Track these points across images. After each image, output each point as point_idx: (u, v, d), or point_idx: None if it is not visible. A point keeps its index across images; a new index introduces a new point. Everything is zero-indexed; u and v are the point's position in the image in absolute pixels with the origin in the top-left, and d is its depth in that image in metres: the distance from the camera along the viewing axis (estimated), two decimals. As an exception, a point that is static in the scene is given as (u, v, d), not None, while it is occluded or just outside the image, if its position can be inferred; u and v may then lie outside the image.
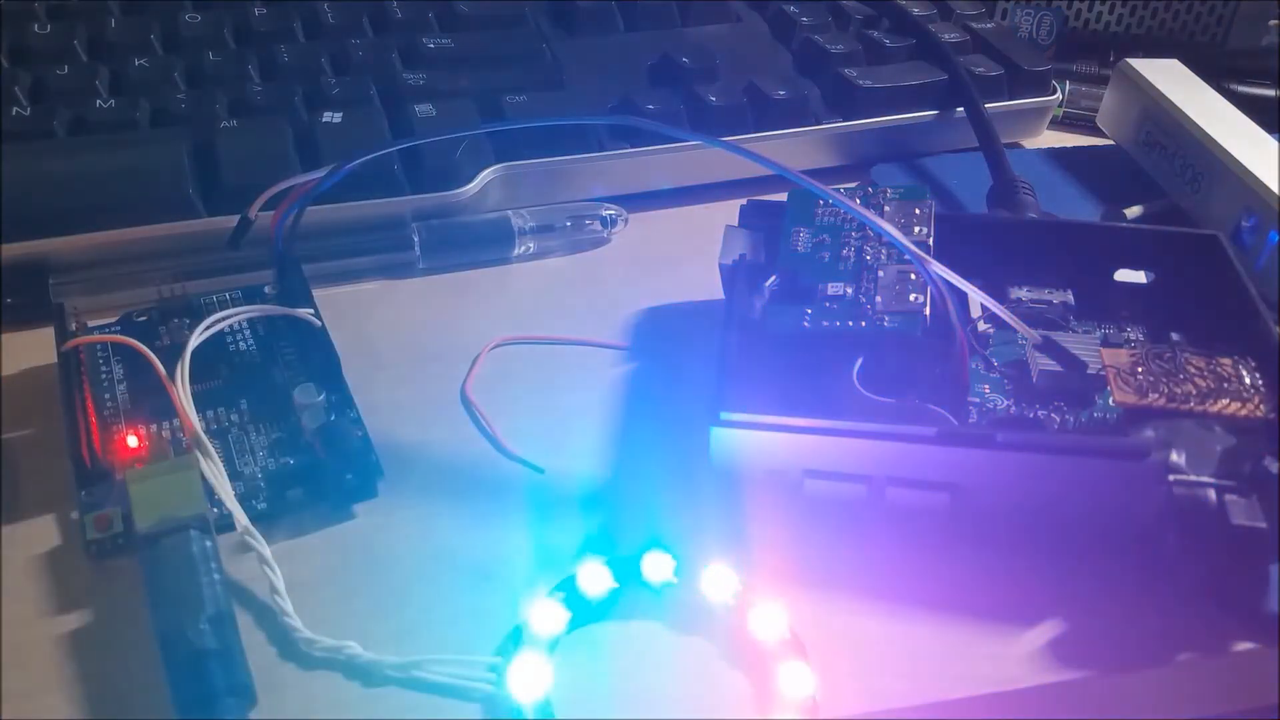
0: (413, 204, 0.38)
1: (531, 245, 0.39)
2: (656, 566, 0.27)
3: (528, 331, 0.35)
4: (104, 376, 0.32)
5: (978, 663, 0.26)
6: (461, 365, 0.34)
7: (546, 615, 0.26)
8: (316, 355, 0.32)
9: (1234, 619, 0.27)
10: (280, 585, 0.26)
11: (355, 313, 0.36)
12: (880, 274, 0.30)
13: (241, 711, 0.24)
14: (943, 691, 0.25)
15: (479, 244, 0.38)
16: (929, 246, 0.30)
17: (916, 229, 0.31)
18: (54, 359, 0.32)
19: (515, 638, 0.26)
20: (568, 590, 0.26)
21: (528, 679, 0.25)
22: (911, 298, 0.29)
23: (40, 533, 0.28)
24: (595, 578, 0.27)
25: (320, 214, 0.36)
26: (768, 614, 0.26)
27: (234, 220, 0.34)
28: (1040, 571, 0.28)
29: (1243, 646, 0.26)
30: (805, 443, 0.27)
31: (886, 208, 0.32)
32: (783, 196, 0.34)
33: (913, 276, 0.29)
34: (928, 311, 0.29)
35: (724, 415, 0.27)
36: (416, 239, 0.37)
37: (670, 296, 0.37)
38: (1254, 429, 0.28)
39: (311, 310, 0.33)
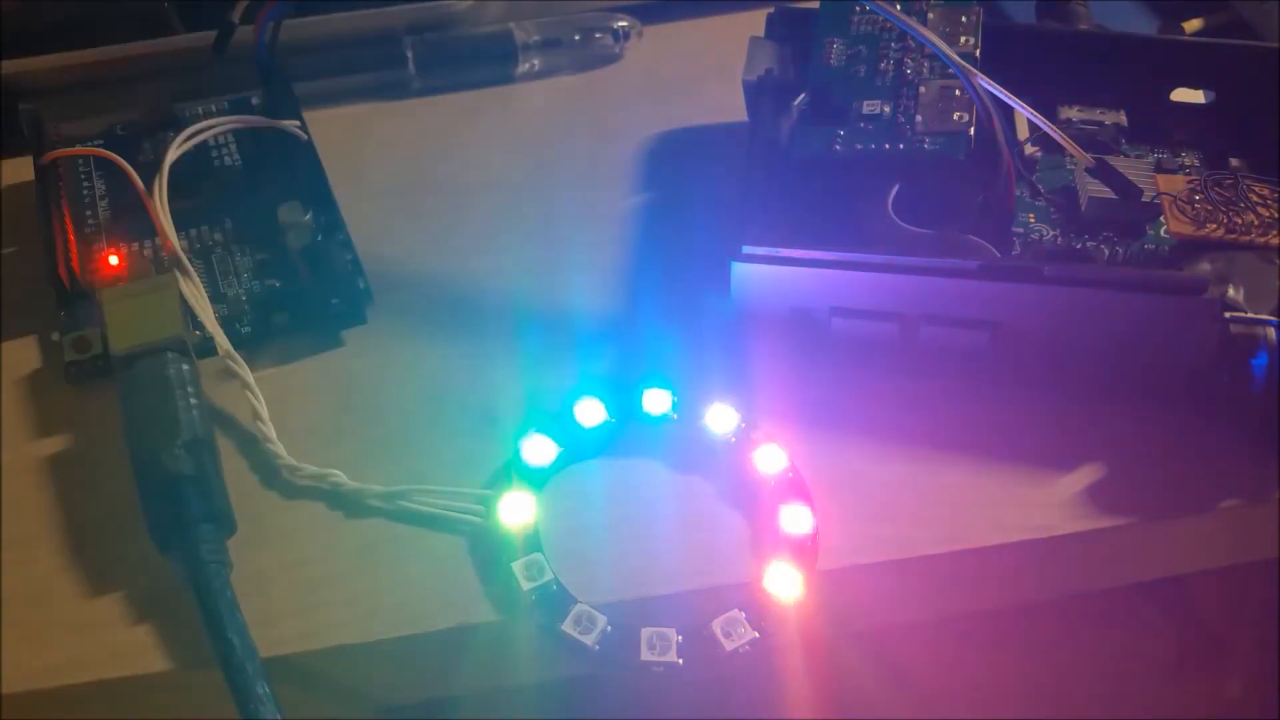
0: (406, 14, 0.36)
1: (536, 62, 0.36)
2: (654, 401, 0.26)
3: (531, 156, 0.33)
4: (84, 193, 0.30)
5: (1009, 510, 0.25)
6: (460, 192, 0.32)
7: (538, 449, 0.25)
8: (304, 173, 0.30)
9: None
10: (263, 411, 0.25)
11: (347, 134, 0.34)
12: (922, 90, 0.28)
13: (219, 539, 0.23)
14: (972, 539, 0.24)
15: (479, 60, 0.36)
16: (976, 59, 0.28)
17: (963, 39, 0.29)
18: (33, 177, 0.30)
19: (506, 471, 0.25)
20: (560, 424, 0.26)
21: (517, 511, 0.24)
22: (955, 116, 0.27)
23: (22, 355, 0.28)
24: (589, 412, 0.26)
25: (308, 26, 0.34)
26: (769, 454, 0.25)
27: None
28: (1080, 415, 0.26)
29: (1290, 493, 0.25)
30: (833, 278, 0.26)
31: (930, 15, 0.29)
32: (814, 3, 0.31)
33: (957, 93, 0.27)
34: (972, 132, 0.26)
35: (746, 249, 0.26)
36: (410, 54, 0.35)
37: (688, 118, 0.35)
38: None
39: (298, 122, 0.31)
